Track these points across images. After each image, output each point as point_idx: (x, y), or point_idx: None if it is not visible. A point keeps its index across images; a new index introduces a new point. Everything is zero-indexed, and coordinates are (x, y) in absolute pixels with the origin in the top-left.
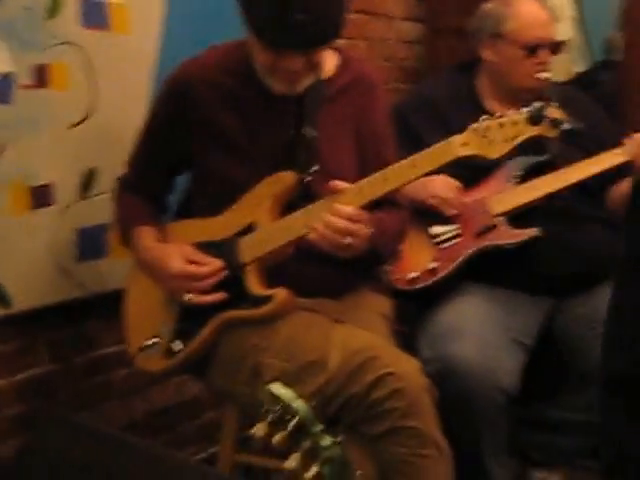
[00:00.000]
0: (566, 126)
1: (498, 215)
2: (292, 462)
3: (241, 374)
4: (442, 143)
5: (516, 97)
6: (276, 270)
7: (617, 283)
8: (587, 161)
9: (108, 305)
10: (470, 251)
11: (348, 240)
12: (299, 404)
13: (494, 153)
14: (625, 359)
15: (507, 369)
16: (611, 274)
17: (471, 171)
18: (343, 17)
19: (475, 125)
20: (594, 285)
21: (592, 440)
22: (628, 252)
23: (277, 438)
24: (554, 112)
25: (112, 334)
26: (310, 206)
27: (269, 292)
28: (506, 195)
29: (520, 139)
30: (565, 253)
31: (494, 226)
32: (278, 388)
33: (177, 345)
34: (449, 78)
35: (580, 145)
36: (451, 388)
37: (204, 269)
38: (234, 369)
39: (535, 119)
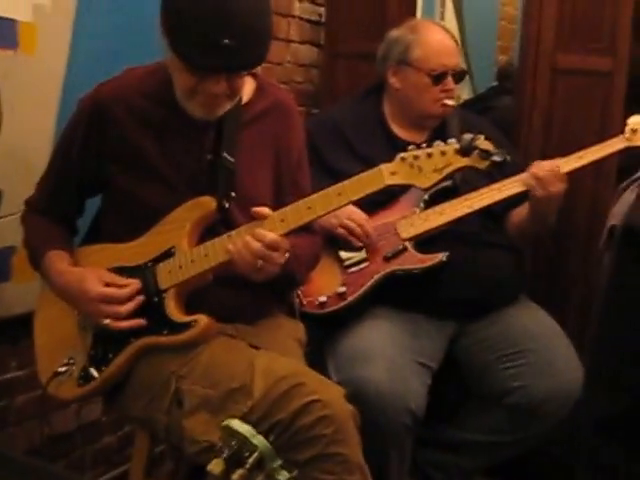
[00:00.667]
0: (496, 158)
1: (406, 239)
2: None
3: (160, 402)
4: (370, 172)
5: (421, 123)
6: (192, 295)
7: (599, 327)
8: (491, 187)
9: (12, 330)
10: (378, 275)
11: (260, 264)
12: (259, 440)
13: (424, 183)
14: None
15: (415, 391)
16: (512, 299)
17: (377, 194)
18: (268, 43)
19: (403, 154)
20: (496, 310)
21: (488, 459)
22: (613, 295)
23: (236, 477)
24: (484, 143)
25: (15, 359)
26: (232, 232)
27: (189, 318)
28: (415, 219)
29: (450, 169)
30: (469, 278)
31: (402, 250)
32: (238, 424)
33: (91, 372)
34: (355, 103)
35: (483, 171)
36: (361, 411)
37: (123, 291)
38: (152, 396)
39: (465, 150)
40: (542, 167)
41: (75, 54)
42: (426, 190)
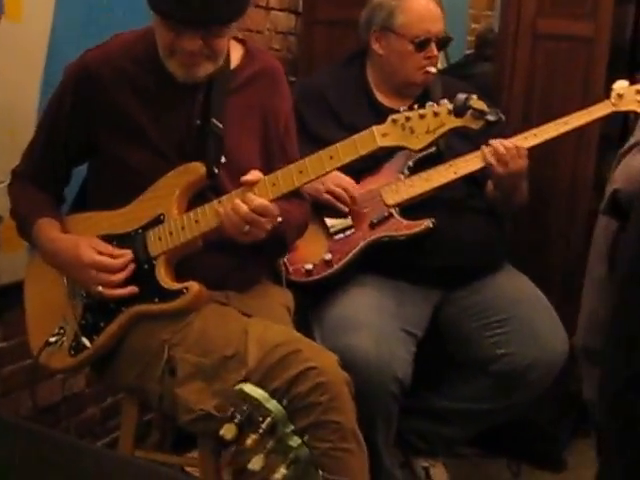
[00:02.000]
0: (490, 118)
1: (392, 206)
2: (256, 463)
3: (152, 370)
4: (362, 133)
5: (404, 90)
6: (182, 262)
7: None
8: (475, 153)
9: None
10: (364, 242)
11: (247, 228)
12: (273, 404)
13: (417, 144)
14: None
15: (401, 359)
16: (496, 266)
17: (361, 161)
18: (242, 1)
19: (395, 116)
20: (480, 277)
21: (471, 428)
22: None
23: (249, 442)
24: (477, 103)
25: (1, 329)
26: (223, 197)
27: (181, 285)
28: (400, 186)
29: (443, 130)
30: (454, 245)
31: (388, 217)
32: (252, 388)
33: (83, 341)
34: (338, 69)
35: (467, 137)
36: None
37: (116, 261)
38: (144, 365)
39: (458, 110)
40: (502, 143)
41: (59, 20)
42: (418, 152)
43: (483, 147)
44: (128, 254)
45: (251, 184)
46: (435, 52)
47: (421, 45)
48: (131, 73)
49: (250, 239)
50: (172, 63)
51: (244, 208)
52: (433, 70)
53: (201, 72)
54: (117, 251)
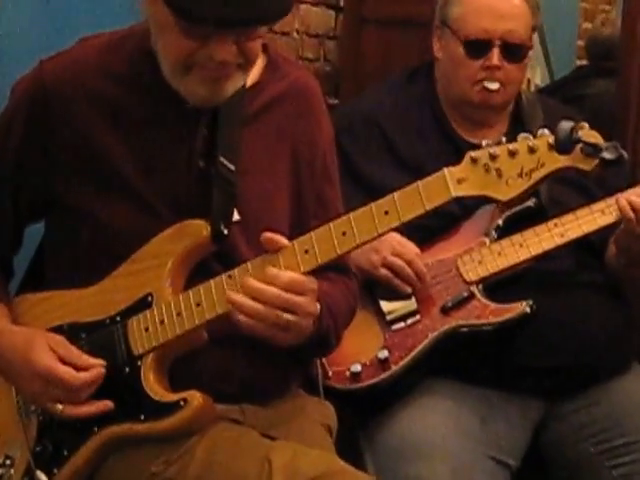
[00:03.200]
0: (607, 155)
1: (473, 282)
2: None
3: None
4: (429, 179)
5: (466, 112)
6: (179, 363)
7: None
8: (591, 207)
9: None
10: (435, 334)
11: (287, 317)
12: None
13: (506, 194)
14: None
15: None
16: (621, 367)
17: (433, 220)
18: None
19: (474, 153)
20: (599, 382)
21: None
22: None
23: None
24: (589, 135)
25: None
26: (234, 270)
27: (177, 397)
28: (484, 254)
29: (542, 173)
30: (560, 338)
31: (468, 298)
32: None
33: (39, 476)
34: (397, 87)
35: (577, 185)
36: None
37: (81, 378)
38: None
39: (563, 145)
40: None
41: (3, 18)
42: (507, 204)
43: (617, 196)
44: (99, 366)
45: (276, 248)
46: (495, 61)
47: (474, 49)
48: (106, 94)
49: (294, 336)
50: (189, 82)
51: (271, 291)
52: (492, 87)
53: (230, 88)
54: (84, 359)
